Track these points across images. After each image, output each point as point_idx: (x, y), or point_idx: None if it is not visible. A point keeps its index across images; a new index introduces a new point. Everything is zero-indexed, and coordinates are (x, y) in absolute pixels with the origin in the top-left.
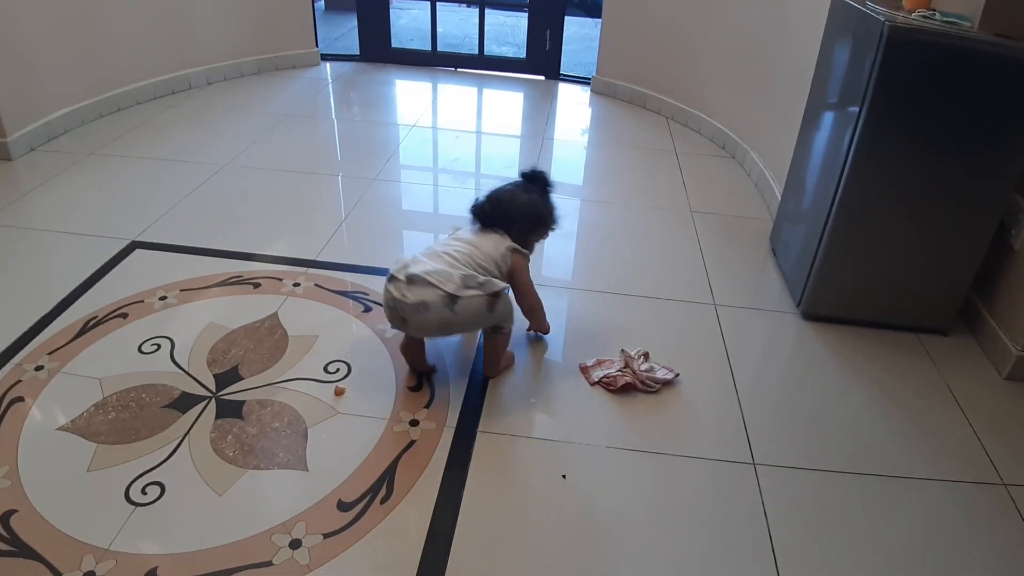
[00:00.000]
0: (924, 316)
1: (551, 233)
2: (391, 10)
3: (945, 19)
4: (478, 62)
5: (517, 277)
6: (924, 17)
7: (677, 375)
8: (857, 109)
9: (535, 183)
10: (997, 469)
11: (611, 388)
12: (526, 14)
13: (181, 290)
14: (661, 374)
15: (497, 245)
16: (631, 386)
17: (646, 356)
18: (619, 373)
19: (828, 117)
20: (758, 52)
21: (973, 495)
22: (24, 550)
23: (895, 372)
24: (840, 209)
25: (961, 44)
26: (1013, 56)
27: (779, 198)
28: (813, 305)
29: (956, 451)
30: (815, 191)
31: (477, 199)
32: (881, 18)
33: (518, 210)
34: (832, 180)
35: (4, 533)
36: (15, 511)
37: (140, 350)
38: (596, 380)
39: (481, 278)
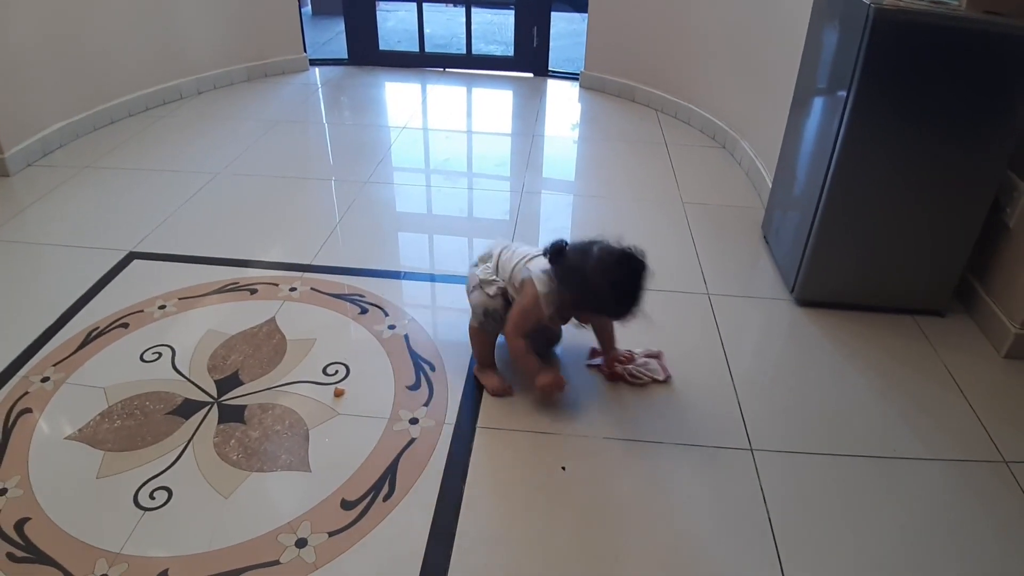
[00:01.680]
0: (920, 298)
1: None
2: (378, 12)
3: None
4: (466, 61)
5: (516, 301)
6: None
7: (668, 377)
8: (845, 93)
9: (624, 265)
10: (997, 446)
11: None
12: (513, 12)
13: (180, 298)
14: (650, 368)
15: (533, 261)
16: (619, 376)
17: (656, 355)
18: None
19: (817, 102)
20: (745, 41)
21: (974, 473)
22: (39, 556)
23: (892, 354)
24: (831, 194)
25: (949, 23)
26: (1002, 33)
27: (770, 186)
28: (807, 291)
29: (956, 430)
30: (806, 177)
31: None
32: (867, 0)
33: (577, 273)
34: (822, 165)
35: (19, 540)
36: (28, 519)
37: (142, 359)
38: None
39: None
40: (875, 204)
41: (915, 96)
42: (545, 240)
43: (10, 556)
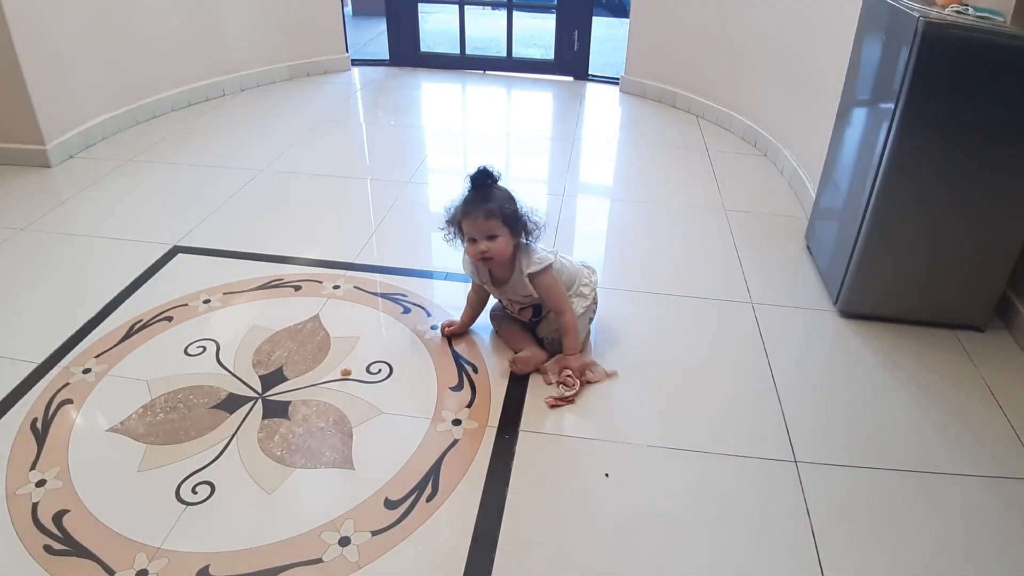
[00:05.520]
0: (961, 313)
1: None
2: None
3: (978, 14)
4: (507, 64)
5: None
6: (958, 12)
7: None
8: (892, 105)
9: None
10: None
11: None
12: (554, 15)
13: (224, 293)
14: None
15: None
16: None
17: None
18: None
19: (863, 114)
20: (789, 49)
21: (1013, 490)
22: (78, 549)
23: (933, 369)
24: (876, 206)
25: (996, 39)
26: None
27: (813, 196)
28: (850, 303)
29: (995, 446)
30: (850, 188)
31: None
32: (915, 13)
33: None
34: (868, 177)
35: (58, 532)
36: (67, 511)
37: (186, 352)
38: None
39: None
40: (920, 218)
41: (961, 110)
42: (585, 244)
43: (47, 548)
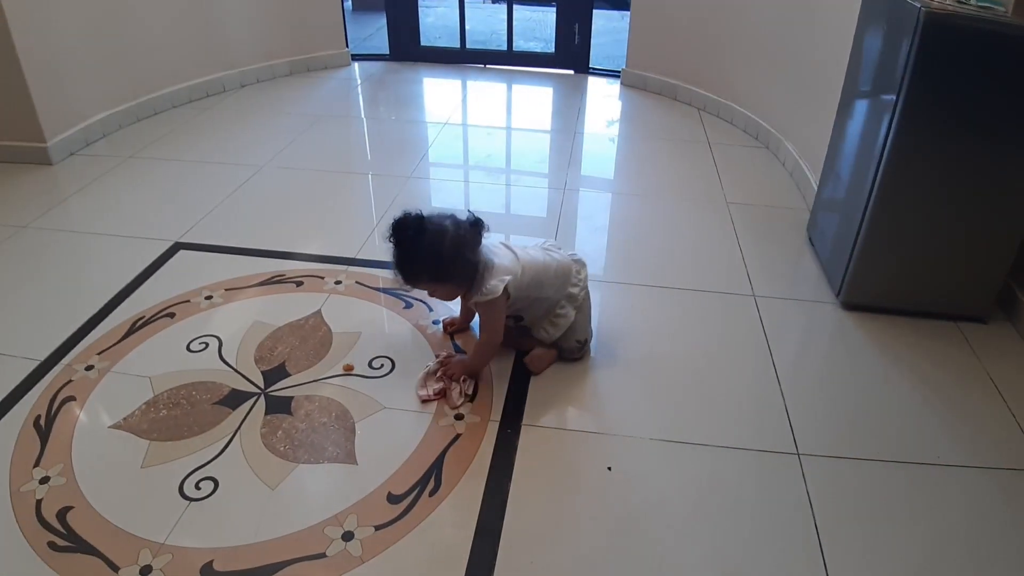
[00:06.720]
0: (963, 304)
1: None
2: (419, 8)
3: (979, 4)
4: (507, 58)
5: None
6: (959, 2)
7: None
8: (894, 96)
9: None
10: None
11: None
12: (554, 9)
13: (226, 289)
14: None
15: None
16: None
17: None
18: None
19: (864, 105)
20: (790, 41)
21: (1015, 482)
22: (82, 545)
23: (935, 360)
24: (878, 198)
25: (997, 29)
26: None
27: (815, 188)
28: (852, 294)
29: (998, 438)
30: (852, 180)
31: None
32: (917, 4)
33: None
34: (870, 169)
35: (62, 529)
36: (71, 507)
37: (188, 348)
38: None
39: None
40: (922, 209)
41: (963, 101)
42: (586, 238)
43: (51, 545)
